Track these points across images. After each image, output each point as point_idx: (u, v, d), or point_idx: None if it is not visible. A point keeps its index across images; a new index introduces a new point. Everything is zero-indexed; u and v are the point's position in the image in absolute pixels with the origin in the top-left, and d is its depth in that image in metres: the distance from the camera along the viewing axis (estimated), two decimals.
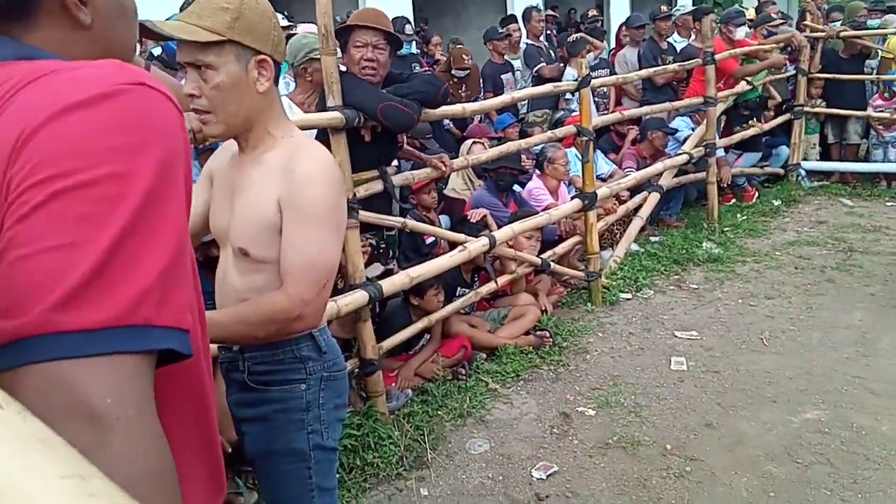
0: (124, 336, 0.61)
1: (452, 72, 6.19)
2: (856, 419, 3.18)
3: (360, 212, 3.06)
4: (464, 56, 6.18)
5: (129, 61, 0.82)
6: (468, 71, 6.23)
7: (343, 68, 3.02)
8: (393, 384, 3.49)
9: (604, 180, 5.51)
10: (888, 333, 4.02)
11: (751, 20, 7.15)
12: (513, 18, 7.33)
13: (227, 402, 1.80)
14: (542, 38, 7.14)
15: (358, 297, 2.94)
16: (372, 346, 3.16)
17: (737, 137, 6.62)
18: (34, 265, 0.59)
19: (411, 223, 3.48)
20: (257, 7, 1.55)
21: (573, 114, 6.02)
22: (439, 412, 3.41)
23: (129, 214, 0.62)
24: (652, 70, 5.86)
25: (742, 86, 6.52)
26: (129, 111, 0.65)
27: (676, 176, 5.97)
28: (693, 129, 6.26)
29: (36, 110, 0.62)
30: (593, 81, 4.58)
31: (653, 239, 5.83)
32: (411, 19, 8.18)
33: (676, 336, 4.17)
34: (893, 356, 3.77)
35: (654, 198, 5.64)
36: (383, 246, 3.38)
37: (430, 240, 4.18)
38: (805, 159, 7.44)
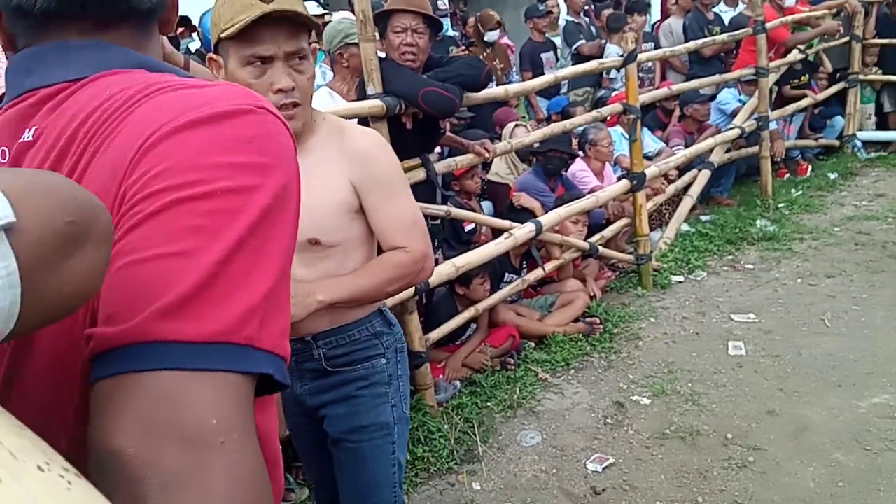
0: (229, 354, 0.57)
1: (485, 38, 6.08)
2: None
3: None
4: (491, 14, 6.10)
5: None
6: (498, 30, 6.14)
7: (382, 54, 2.95)
8: (440, 376, 3.44)
9: (651, 159, 5.33)
10: None
11: None
12: None
13: (294, 395, 1.80)
14: (581, 14, 6.94)
15: None
16: (419, 337, 3.10)
17: (790, 109, 6.36)
18: (142, 272, 0.57)
19: (455, 211, 3.40)
20: None
21: (616, 92, 5.86)
22: (489, 403, 3.34)
23: (244, 230, 0.59)
24: (700, 42, 5.60)
25: (794, 55, 6.25)
26: (253, 131, 0.63)
27: (727, 151, 5.76)
28: (741, 102, 6.03)
29: (156, 124, 0.61)
30: (639, 56, 4.41)
31: (704, 218, 5.64)
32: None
33: (733, 319, 4.03)
34: None
35: (704, 175, 5.45)
36: None
37: (469, 226, 4.09)
38: (861, 129, 7.11)
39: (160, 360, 0.54)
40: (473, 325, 3.70)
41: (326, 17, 4.35)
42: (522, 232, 3.57)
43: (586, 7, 7.54)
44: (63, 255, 0.47)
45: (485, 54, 6.15)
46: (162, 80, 0.67)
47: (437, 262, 3.30)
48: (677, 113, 6.08)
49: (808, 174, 6.61)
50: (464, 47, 6.21)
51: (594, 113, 4.53)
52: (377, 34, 2.93)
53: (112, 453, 0.51)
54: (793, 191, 6.16)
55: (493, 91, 3.48)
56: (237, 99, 0.64)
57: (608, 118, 4.96)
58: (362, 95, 2.94)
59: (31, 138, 0.67)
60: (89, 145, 0.63)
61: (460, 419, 3.20)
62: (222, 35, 1.47)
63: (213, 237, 0.58)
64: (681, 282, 4.60)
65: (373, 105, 2.79)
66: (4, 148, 0.69)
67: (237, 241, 0.59)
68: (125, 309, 0.56)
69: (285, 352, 0.62)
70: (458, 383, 3.47)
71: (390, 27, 2.95)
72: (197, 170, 0.59)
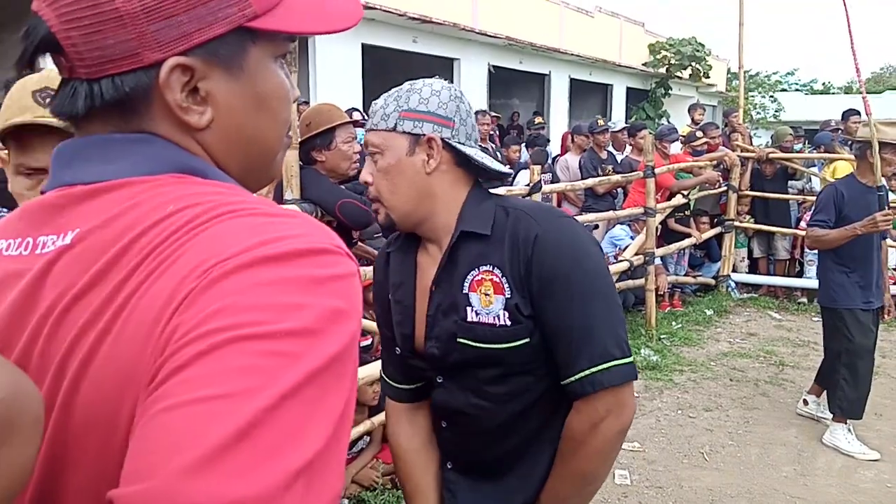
0: None
1: None
2: None
3: None
4: None
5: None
6: None
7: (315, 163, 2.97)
8: None
9: None
10: (823, 452, 4.07)
11: (682, 136, 7.55)
12: None
13: None
14: (488, 140, 7.33)
15: None
16: None
17: (673, 247, 6.85)
18: (175, 418, 0.48)
19: (365, 323, 3.36)
20: None
21: None
22: None
23: (303, 376, 0.51)
24: (597, 180, 6.05)
25: (678, 199, 6.81)
26: (328, 272, 0.57)
27: (616, 282, 6.08)
28: (632, 237, 6.44)
29: (221, 255, 0.54)
30: (543, 187, 4.67)
31: None
32: (361, 108, 8.29)
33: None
34: (829, 476, 3.80)
35: None
36: None
37: (366, 342, 4.02)
38: (735, 271, 7.73)
39: None
40: (367, 438, 3.59)
41: None
42: None
43: (492, 133, 7.97)
44: None
45: None
46: (226, 196, 0.61)
47: None
48: None
49: (682, 308, 7.05)
50: None
51: None
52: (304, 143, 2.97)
53: None
54: (673, 323, 6.53)
55: None
56: (314, 235, 0.59)
57: None
58: (279, 199, 2.94)
59: (68, 242, 0.60)
60: (142, 266, 0.56)
61: None
62: None
63: (266, 382, 0.49)
64: None
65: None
66: (29, 239, 0.63)
67: (293, 387, 0.50)
68: (150, 462, 0.47)
69: None
70: (345, 501, 3.32)
71: (340, 140, 2.96)
72: (260, 309, 0.52)
